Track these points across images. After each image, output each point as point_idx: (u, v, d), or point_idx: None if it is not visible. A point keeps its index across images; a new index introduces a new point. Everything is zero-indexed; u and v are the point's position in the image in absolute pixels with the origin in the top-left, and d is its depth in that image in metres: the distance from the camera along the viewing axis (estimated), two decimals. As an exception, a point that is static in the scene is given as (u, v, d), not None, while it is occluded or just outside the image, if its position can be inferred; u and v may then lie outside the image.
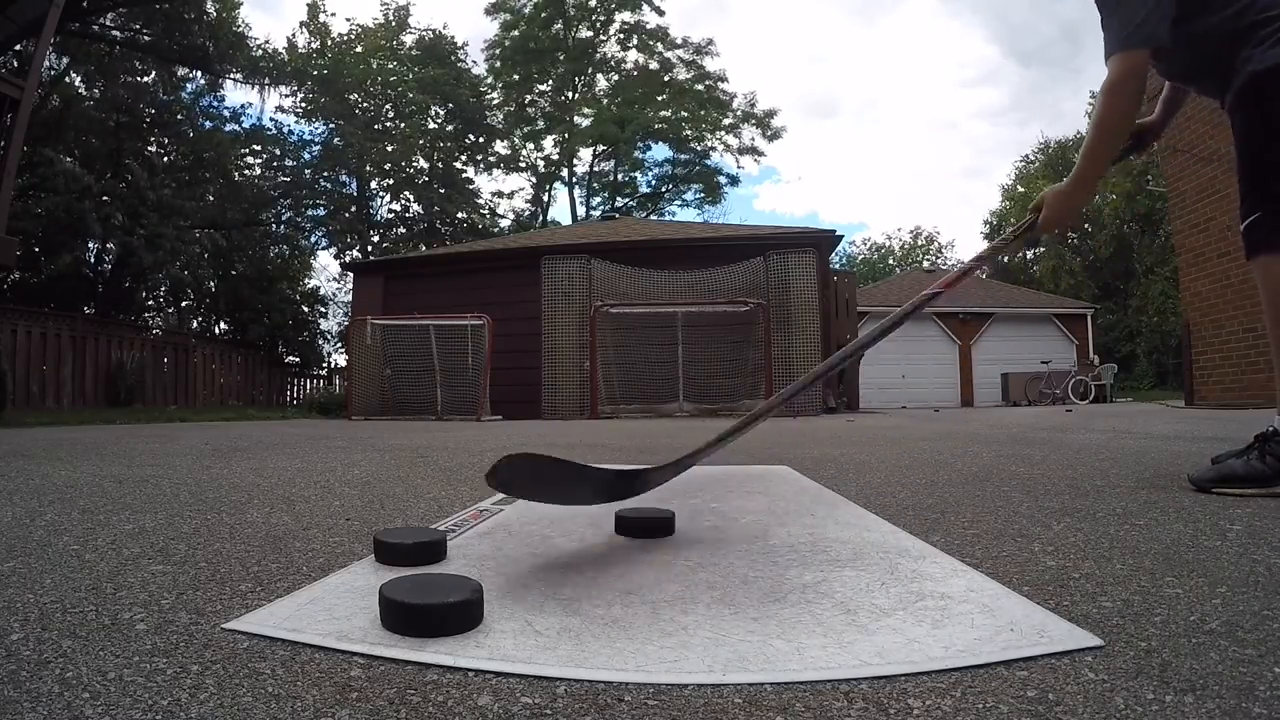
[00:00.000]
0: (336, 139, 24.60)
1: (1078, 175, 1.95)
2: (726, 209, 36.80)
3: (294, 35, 26.54)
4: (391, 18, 28.60)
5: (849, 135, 80.00)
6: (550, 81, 34.70)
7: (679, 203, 36.44)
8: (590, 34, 34.27)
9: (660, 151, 36.25)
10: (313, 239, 24.59)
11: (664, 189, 36.29)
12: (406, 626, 0.89)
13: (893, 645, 0.85)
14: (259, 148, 23.11)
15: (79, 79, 17.76)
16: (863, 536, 1.47)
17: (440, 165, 28.07)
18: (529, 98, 34.58)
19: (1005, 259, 41.30)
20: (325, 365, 22.29)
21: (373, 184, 26.91)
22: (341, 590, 1.10)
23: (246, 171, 22.92)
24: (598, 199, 36.43)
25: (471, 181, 30.59)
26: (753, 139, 34.64)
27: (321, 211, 25.03)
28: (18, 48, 11.96)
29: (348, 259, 24.35)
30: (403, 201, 27.75)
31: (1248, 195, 1.83)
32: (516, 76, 33.79)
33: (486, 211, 31.21)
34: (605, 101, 35.03)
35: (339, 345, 22.38)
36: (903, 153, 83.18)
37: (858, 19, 73.04)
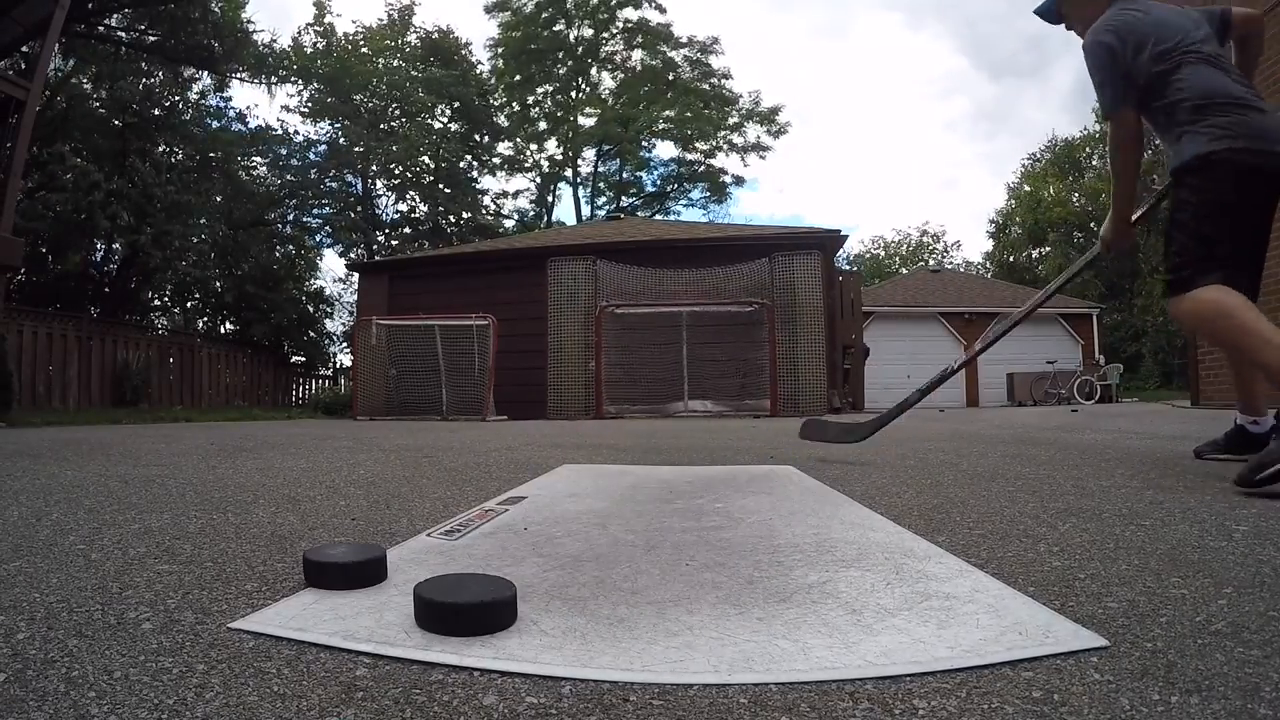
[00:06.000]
0: (342, 139, 24.65)
1: (1114, 210, 2.56)
2: (728, 209, 36.78)
3: (300, 34, 26.50)
4: (396, 17, 28.69)
5: (826, 147, 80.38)
6: (553, 82, 34.69)
7: (684, 202, 36.47)
8: (592, 32, 34.24)
9: (665, 150, 36.20)
10: (318, 239, 24.66)
11: (669, 189, 36.30)
12: (446, 626, 0.91)
13: (898, 645, 0.85)
14: (265, 147, 23.16)
15: (86, 80, 17.83)
16: (868, 537, 1.47)
17: (445, 165, 28.10)
18: (531, 98, 34.59)
19: (1010, 258, 41.29)
20: (331, 365, 22.33)
21: (378, 184, 26.97)
22: (347, 590, 1.11)
23: (253, 172, 22.97)
24: (602, 199, 36.45)
25: (477, 181, 30.65)
26: (758, 136, 34.62)
27: (327, 211, 25.08)
28: (24, 49, 11.99)
29: (353, 258, 24.38)
30: (408, 201, 27.82)
31: (1165, 262, 2.35)
32: (519, 78, 33.80)
33: (491, 212, 31.28)
34: (610, 101, 35.04)
35: (344, 345, 22.42)
36: (881, 163, 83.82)
37: (834, 34, 73.34)
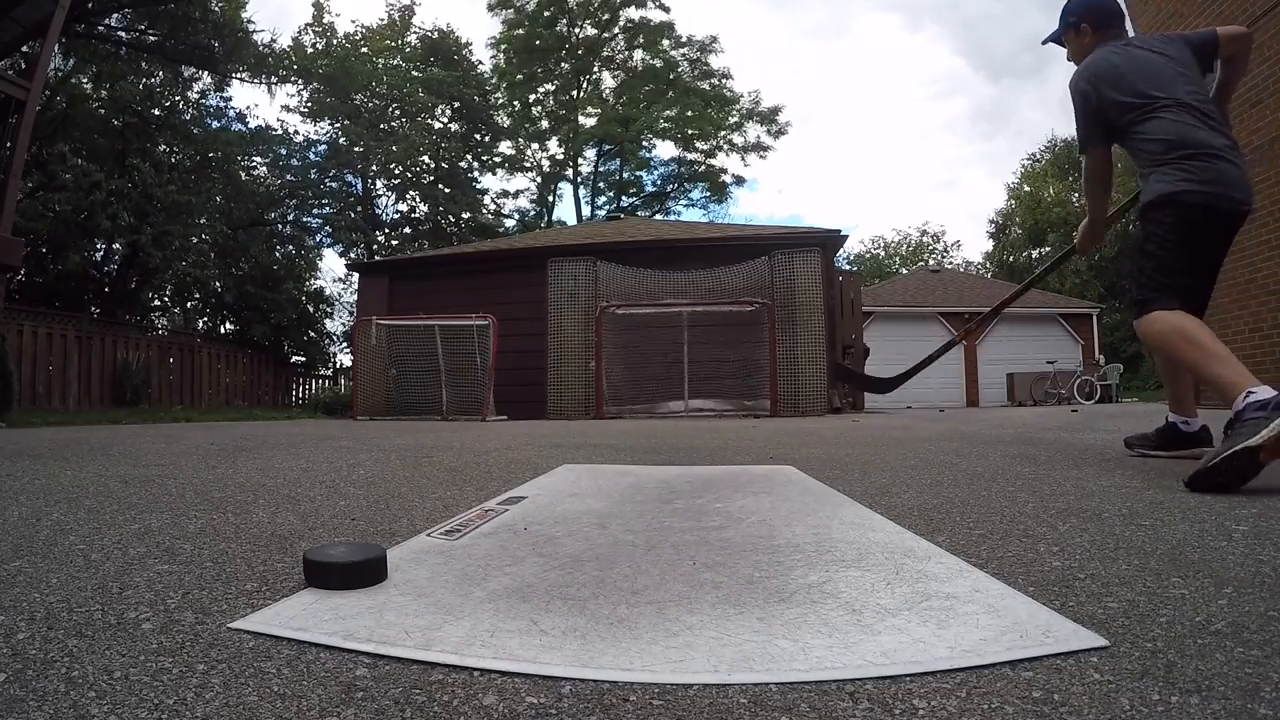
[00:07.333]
0: (342, 139, 24.66)
1: (1089, 218, 2.98)
2: (728, 209, 36.81)
3: (300, 34, 26.52)
4: (396, 17, 28.73)
5: (825, 148, 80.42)
6: (555, 81, 34.71)
7: (684, 202, 36.49)
8: (595, 31, 34.25)
9: (666, 150, 36.14)
10: (318, 239, 24.66)
11: (669, 188, 36.31)
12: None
13: (898, 645, 0.85)
14: (265, 147, 23.16)
15: (86, 80, 17.83)
16: (868, 537, 1.47)
17: (445, 165, 28.11)
18: (533, 97, 34.63)
19: (1010, 258, 41.28)
20: (331, 365, 22.35)
21: (378, 184, 26.97)
22: (346, 590, 1.11)
23: (253, 172, 22.98)
24: (603, 198, 36.48)
25: (477, 181, 30.66)
26: (758, 136, 34.62)
27: (327, 211, 25.08)
28: (24, 49, 12.00)
29: (353, 258, 24.39)
30: (408, 201, 27.82)
31: (1134, 290, 2.62)
32: (520, 77, 33.82)
33: (492, 212, 31.30)
34: (610, 100, 35.04)
35: (344, 345, 22.43)
36: (879, 164, 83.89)
37: (832, 35, 73.43)
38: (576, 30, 34.15)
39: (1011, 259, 41.52)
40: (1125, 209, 3.08)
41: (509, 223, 32.50)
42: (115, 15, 17.24)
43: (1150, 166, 2.52)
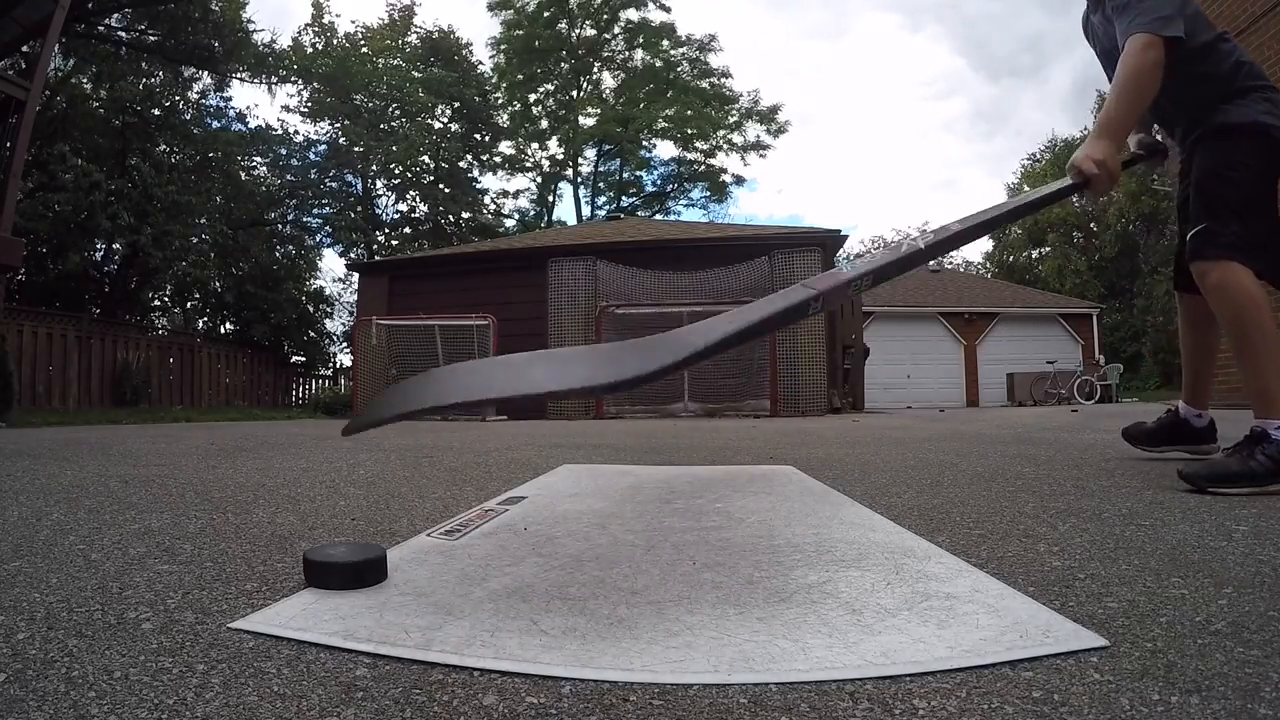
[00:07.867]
0: (342, 139, 24.66)
1: (1104, 125, 2.09)
2: (728, 209, 36.80)
3: (299, 34, 26.54)
4: (396, 17, 28.75)
5: (825, 148, 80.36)
6: (555, 81, 34.72)
7: (684, 202, 36.49)
8: (595, 32, 34.25)
9: (666, 150, 36.12)
10: (318, 239, 24.65)
11: (669, 188, 36.32)
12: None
13: (898, 645, 0.85)
14: (265, 147, 23.15)
15: (86, 80, 17.83)
16: (868, 537, 1.47)
17: (445, 165, 28.11)
18: (533, 97, 34.65)
19: (1010, 258, 41.24)
20: (331, 365, 22.36)
21: (378, 184, 26.99)
22: (346, 590, 1.10)
23: (253, 172, 22.98)
24: (603, 198, 36.50)
25: (477, 181, 30.68)
26: (758, 135, 34.63)
27: (327, 211, 25.08)
28: (24, 49, 11.99)
29: (353, 258, 24.38)
30: (408, 201, 27.84)
31: (1197, 213, 2.22)
32: (520, 77, 33.83)
33: (492, 212, 31.32)
34: (610, 100, 35.05)
35: (344, 345, 22.44)
36: (879, 164, 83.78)
37: (829, 36, 73.36)
38: (576, 30, 34.15)
39: (1011, 259, 41.52)
40: (1134, 163, 2.54)
41: (509, 223, 32.56)
42: (115, 15, 17.25)
43: (1233, 91, 2.21)
